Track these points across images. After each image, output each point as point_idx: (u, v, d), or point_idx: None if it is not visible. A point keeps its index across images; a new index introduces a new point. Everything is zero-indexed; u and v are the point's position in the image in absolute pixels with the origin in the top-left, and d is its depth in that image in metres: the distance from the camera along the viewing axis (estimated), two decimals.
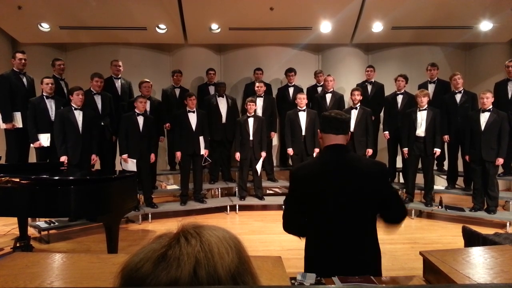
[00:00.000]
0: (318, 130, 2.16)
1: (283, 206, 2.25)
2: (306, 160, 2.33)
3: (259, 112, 6.44)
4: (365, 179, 1.98)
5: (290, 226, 2.10)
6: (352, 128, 5.89)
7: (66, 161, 4.96)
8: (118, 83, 6.20)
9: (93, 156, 5.26)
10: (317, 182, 2.01)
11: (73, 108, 5.08)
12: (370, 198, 1.98)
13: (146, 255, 0.62)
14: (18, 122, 5.30)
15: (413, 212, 5.81)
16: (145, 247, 0.64)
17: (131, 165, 5.40)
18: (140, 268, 0.61)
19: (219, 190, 6.71)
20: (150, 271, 0.60)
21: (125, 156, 5.43)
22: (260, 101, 6.54)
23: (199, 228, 0.66)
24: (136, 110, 5.47)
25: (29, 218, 4.68)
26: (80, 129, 5.09)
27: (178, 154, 5.87)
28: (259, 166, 6.11)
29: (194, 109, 5.84)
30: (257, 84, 6.59)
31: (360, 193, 1.97)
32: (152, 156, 5.66)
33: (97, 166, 5.63)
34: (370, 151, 5.95)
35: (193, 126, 5.81)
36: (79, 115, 5.11)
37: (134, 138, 5.44)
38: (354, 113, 5.92)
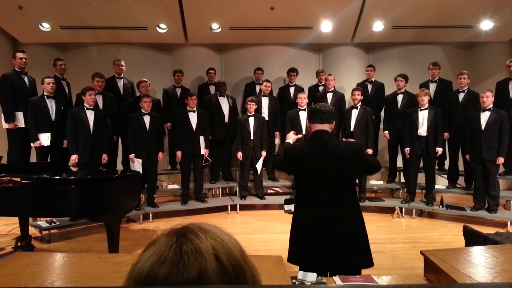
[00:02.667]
0: (307, 121, 2.52)
1: (277, 154, 2.66)
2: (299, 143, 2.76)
3: (265, 112, 6.44)
4: (345, 157, 2.33)
5: (280, 169, 2.67)
6: (352, 128, 5.90)
7: (76, 161, 4.99)
8: (120, 83, 6.20)
9: (104, 156, 5.28)
10: (304, 162, 2.37)
11: (85, 108, 5.12)
12: (349, 172, 2.37)
13: (156, 259, 0.60)
14: (20, 122, 5.31)
15: (414, 211, 5.81)
16: (147, 253, 0.62)
17: (137, 165, 5.41)
18: (156, 272, 0.59)
19: (220, 190, 6.71)
20: (171, 271, 0.59)
21: (132, 156, 5.44)
22: (265, 101, 6.54)
23: (197, 224, 0.67)
24: (142, 110, 5.49)
25: (30, 218, 4.69)
26: (91, 129, 5.13)
27: (179, 153, 5.88)
28: (259, 166, 6.11)
29: (195, 109, 5.84)
30: (264, 83, 6.59)
31: (342, 169, 2.34)
32: (160, 154, 5.69)
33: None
34: (370, 151, 5.94)
35: (194, 126, 5.81)
36: (90, 115, 5.14)
37: (141, 137, 5.46)
38: (354, 113, 5.92)
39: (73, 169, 4.79)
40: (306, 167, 2.37)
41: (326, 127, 2.40)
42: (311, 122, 2.43)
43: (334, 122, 2.47)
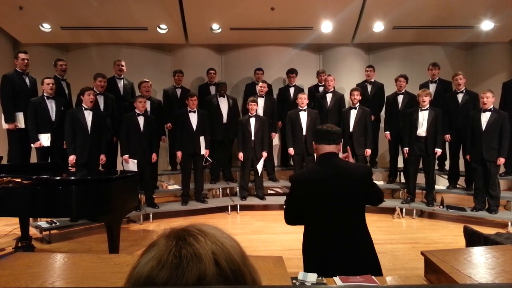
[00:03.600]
0: (313, 142, 2.45)
1: (284, 206, 2.50)
2: (306, 167, 2.73)
3: (260, 112, 6.43)
4: (355, 180, 2.28)
5: (292, 221, 2.43)
6: (351, 128, 5.90)
7: (74, 161, 4.98)
8: (121, 83, 6.20)
9: (102, 156, 5.28)
10: (314, 186, 2.29)
11: (83, 108, 5.12)
12: (359, 195, 2.29)
13: (155, 263, 0.60)
14: (21, 123, 5.31)
15: (414, 212, 5.80)
16: (146, 256, 0.62)
17: (132, 165, 5.41)
18: (155, 277, 0.59)
19: (220, 190, 6.71)
20: (170, 275, 0.58)
21: (126, 156, 5.44)
22: (261, 101, 6.53)
23: (197, 226, 0.66)
24: (136, 110, 5.48)
25: (30, 218, 4.69)
26: (89, 129, 5.12)
27: (179, 154, 5.88)
28: (260, 166, 6.11)
29: (195, 109, 5.84)
30: (260, 84, 6.59)
31: (352, 192, 2.27)
32: (154, 155, 5.67)
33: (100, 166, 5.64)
34: (368, 151, 5.94)
35: (194, 126, 5.81)
36: (88, 115, 5.14)
37: (135, 138, 5.45)
38: (353, 113, 5.92)
39: (71, 169, 4.79)
40: (317, 191, 2.27)
41: (333, 148, 2.35)
42: (317, 143, 2.37)
43: (341, 142, 2.42)
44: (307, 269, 2.28)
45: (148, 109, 6.03)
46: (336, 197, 2.26)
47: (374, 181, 2.40)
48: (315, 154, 2.49)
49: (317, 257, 2.27)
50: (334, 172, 2.29)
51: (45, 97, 5.25)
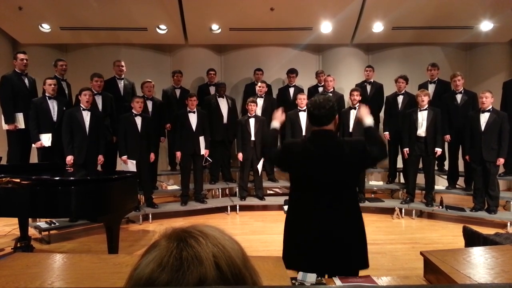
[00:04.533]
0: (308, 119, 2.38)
1: (270, 152, 2.44)
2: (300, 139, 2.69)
3: (259, 113, 6.43)
4: (349, 155, 2.20)
5: (271, 161, 2.56)
6: (350, 129, 5.90)
7: (72, 161, 4.97)
8: (121, 84, 6.20)
9: (100, 157, 5.27)
10: (305, 157, 2.23)
11: (81, 108, 5.10)
12: (352, 169, 2.25)
13: (156, 265, 0.60)
14: (20, 123, 5.30)
15: (413, 212, 5.80)
16: (147, 258, 0.62)
17: (131, 166, 5.40)
18: (156, 279, 0.59)
19: (220, 190, 6.71)
20: (170, 278, 0.59)
21: (124, 157, 5.43)
22: (260, 102, 6.53)
23: (199, 227, 0.66)
24: (134, 111, 5.47)
25: (29, 219, 4.69)
26: (87, 129, 5.11)
27: (178, 154, 5.88)
28: (259, 166, 6.11)
29: (195, 110, 5.84)
30: (259, 84, 6.59)
31: (344, 166, 2.21)
32: (152, 155, 5.66)
33: (98, 166, 5.63)
34: None
35: (194, 126, 5.81)
36: (86, 116, 5.13)
37: (132, 138, 5.44)
38: (353, 113, 5.92)
39: (69, 170, 4.77)
40: (306, 163, 2.23)
41: (329, 127, 2.26)
42: (311, 124, 2.31)
43: (336, 118, 2.30)
44: (287, 253, 2.28)
45: (150, 109, 6.03)
46: (325, 172, 2.19)
47: (369, 147, 2.27)
48: None
49: (298, 236, 2.24)
50: (325, 146, 2.22)
51: (47, 97, 5.24)
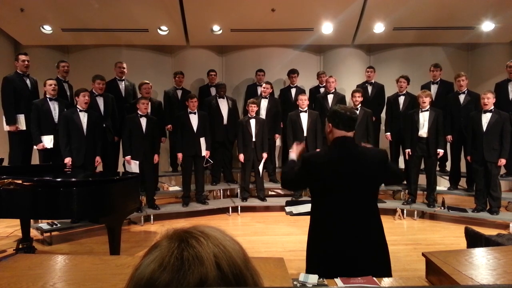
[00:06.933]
0: (330, 124, 2.28)
1: (284, 172, 2.45)
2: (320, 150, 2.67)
3: (263, 113, 6.43)
4: (370, 165, 2.22)
5: (291, 187, 2.47)
6: None
7: (70, 163, 4.97)
8: (122, 85, 6.21)
9: (97, 158, 5.26)
10: (328, 171, 2.20)
11: (78, 110, 5.09)
12: (373, 181, 2.26)
13: (157, 265, 0.60)
14: (22, 125, 5.31)
15: (415, 213, 5.79)
16: (148, 258, 0.62)
17: (134, 166, 5.41)
18: (157, 279, 0.59)
19: (221, 192, 6.71)
20: (171, 277, 0.59)
21: (128, 157, 5.44)
22: (264, 102, 6.53)
23: (200, 228, 0.66)
24: (139, 112, 5.49)
25: (31, 220, 4.69)
26: (85, 131, 5.10)
27: (180, 155, 5.88)
28: (261, 167, 6.11)
29: (195, 111, 5.85)
30: (263, 85, 6.58)
31: (365, 178, 2.21)
32: (156, 157, 5.67)
33: (99, 167, 5.63)
34: None
35: (194, 128, 5.82)
36: (84, 117, 5.11)
37: (137, 139, 5.46)
38: None
39: (68, 171, 4.76)
40: (331, 175, 2.19)
41: (351, 134, 2.27)
42: (338, 128, 2.24)
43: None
44: (312, 267, 2.23)
45: (148, 110, 6.03)
46: (348, 182, 2.18)
47: (392, 164, 2.34)
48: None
49: (324, 246, 2.19)
50: (349, 157, 2.21)
51: (48, 99, 5.25)
